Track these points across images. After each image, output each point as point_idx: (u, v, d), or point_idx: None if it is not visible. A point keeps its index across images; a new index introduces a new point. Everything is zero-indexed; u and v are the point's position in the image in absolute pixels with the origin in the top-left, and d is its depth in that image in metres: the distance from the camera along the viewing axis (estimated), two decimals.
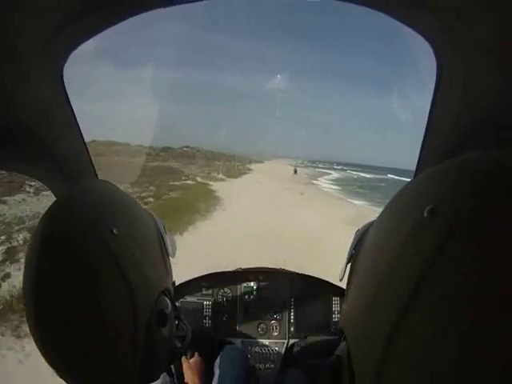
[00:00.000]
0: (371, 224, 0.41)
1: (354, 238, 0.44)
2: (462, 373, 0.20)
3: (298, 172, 32.01)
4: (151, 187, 11.77)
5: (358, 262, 0.39)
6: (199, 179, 17.62)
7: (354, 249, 0.43)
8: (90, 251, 0.39)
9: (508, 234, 0.20)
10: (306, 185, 21.50)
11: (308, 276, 1.37)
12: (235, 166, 33.33)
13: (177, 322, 0.59)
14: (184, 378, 0.93)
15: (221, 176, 21.14)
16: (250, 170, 30.64)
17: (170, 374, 0.64)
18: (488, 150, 0.24)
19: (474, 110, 0.51)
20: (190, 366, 0.97)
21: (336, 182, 28.86)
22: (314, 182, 26.41)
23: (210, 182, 16.57)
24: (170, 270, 0.61)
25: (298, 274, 1.39)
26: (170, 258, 0.61)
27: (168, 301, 0.53)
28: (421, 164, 0.67)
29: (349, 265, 0.45)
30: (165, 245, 0.58)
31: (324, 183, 26.12)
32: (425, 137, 0.63)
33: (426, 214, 0.25)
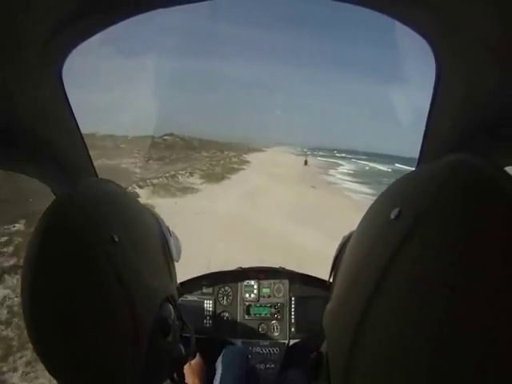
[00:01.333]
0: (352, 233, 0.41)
1: (339, 244, 0.45)
2: (426, 363, 0.22)
3: (308, 163, 26.43)
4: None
5: (339, 265, 0.40)
6: (147, 191, 9.33)
7: (338, 253, 0.43)
8: (89, 256, 0.38)
9: (462, 235, 0.21)
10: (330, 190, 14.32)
11: (308, 276, 1.37)
12: (227, 157, 24.55)
13: (181, 326, 0.57)
14: (184, 379, 0.83)
15: (192, 180, 12.52)
16: (246, 162, 22.46)
17: (173, 381, 0.59)
18: (471, 153, 0.26)
19: (473, 109, 0.52)
20: (190, 367, 0.96)
21: (357, 178, 22.46)
22: (335, 180, 19.68)
23: (159, 201, 7.95)
24: (175, 275, 0.59)
25: (298, 273, 1.39)
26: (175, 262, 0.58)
27: (171, 308, 0.52)
28: (420, 163, 0.68)
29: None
30: (169, 249, 0.56)
31: (348, 183, 19.37)
32: (425, 136, 0.63)
33: (392, 216, 0.27)
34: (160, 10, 0.47)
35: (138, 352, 0.42)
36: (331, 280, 0.45)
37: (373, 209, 0.34)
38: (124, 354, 0.41)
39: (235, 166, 19.46)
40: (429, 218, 0.24)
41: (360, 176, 24.27)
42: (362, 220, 0.36)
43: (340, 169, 30.62)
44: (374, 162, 48.47)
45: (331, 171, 25.92)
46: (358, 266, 0.31)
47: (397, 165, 44.29)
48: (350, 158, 52.93)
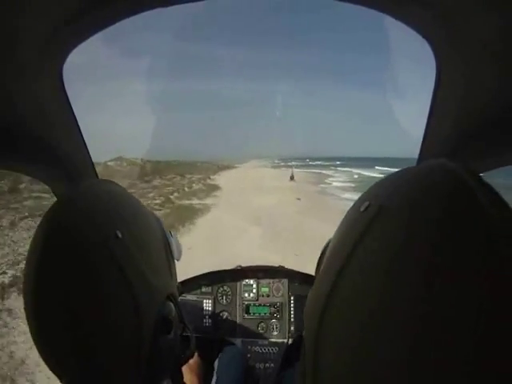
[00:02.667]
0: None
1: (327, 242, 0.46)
2: (386, 337, 0.23)
3: (295, 177, 21.59)
4: None
5: (322, 259, 0.41)
6: None
7: (323, 249, 0.44)
8: (92, 256, 0.38)
9: (419, 227, 0.23)
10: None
11: (308, 274, 1.35)
12: (188, 184, 17.98)
13: (181, 325, 0.58)
14: (183, 378, 0.83)
15: None
16: (213, 189, 16.26)
17: (172, 380, 0.59)
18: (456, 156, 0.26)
19: (473, 109, 0.52)
20: (189, 366, 0.96)
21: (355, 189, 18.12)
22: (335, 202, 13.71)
23: None
24: (175, 274, 0.59)
25: (297, 272, 1.38)
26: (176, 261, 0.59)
27: (173, 306, 0.52)
28: (421, 163, 0.70)
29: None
30: (170, 248, 0.57)
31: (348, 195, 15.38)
32: (424, 136, 0.63)
33: (362, 209, 0.30)
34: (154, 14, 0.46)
35: (140, 349, 0.42)
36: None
37: (352, 206, 0.36)
38: (127, 352, 0.41)
39: (196, 201, 12.54)
40: (391, 209, 0.26)
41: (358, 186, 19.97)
42: (343, 217, 0.38)
43: (334, 180, 25.89)
44: (354, 167, 47.39)
45: (325, 185, 21.09)
46: (330, 253, 0.34)
47: (377, 167, 43.91)
48: (329, 166, 50.68)
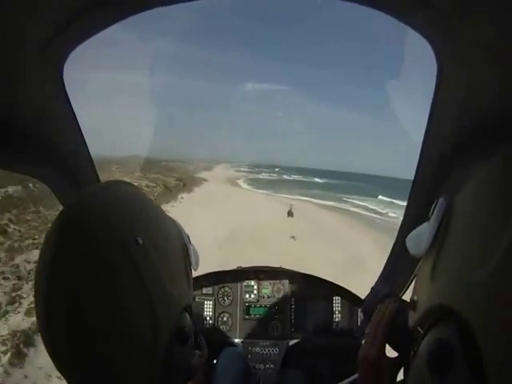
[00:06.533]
0: (454, 199, 0.37)
1: (438, 211, 0.38)
2: None
3: (293, 214, 15.53)
4: None
5: (454, 235, 0.34)
6: None
7: (441, 220, 0.38)
8: (109, 260, 0.36)
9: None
10: None
11: (308, 275, 1.36)
12: None
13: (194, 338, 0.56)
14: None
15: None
16: None
17: None
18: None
19: (474, 109, 0.52)
20: None
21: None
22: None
23: None
24: (191, 283, 0.57)
25: (298, 273, 1.38)
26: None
27: (189, 318, 0.51)
28: (421, 163, 0.68)
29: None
30: (189, 257, 0.54)
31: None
32: (425, 136, 0.63)
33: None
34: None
35: (154, 360, 0.40)
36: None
37: (493, 169, 0.32)
38: (141, 363, 0.39)
39: None
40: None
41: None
42: (476, 183, 0.33)
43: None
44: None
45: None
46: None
47: (315, 179, 41.86)
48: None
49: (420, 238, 0.40)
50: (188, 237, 0.56)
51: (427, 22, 0.45)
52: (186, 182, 21.59)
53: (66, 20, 0.43)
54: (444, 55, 0.48)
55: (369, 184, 41.51)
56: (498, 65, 0.43)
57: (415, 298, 0.40)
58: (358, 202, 24.41)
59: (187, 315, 0.50)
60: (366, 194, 28.59)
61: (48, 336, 0.35)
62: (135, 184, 0.49)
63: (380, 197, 27.04)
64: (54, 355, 0.36)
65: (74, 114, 0.61)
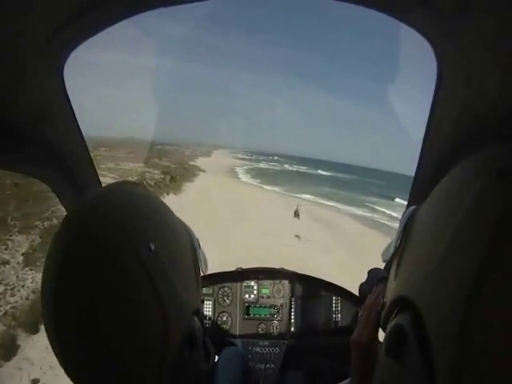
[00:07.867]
0: (417, 208, 0.41)
1: (403, 219, 0.42)
2: None
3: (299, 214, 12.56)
4: None
5: (412, 237, 0.38)
6: None
7: (403, 228, 0.41)
8: (121, 266, 0.36)
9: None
10: None
11: (308, 276, 1.37)
12: None
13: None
14: None
15: None
16: None
17: None
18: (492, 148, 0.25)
19: (474, 109, 0.52)
20: None
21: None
22: None
23: None
24: (200, 287, 0.56)
25: (298, 273, 1.38)
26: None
27: (198, 321, 0.50)
28: (422, 163, 0.68)
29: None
30: (198, 261, 0.54)
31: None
32: (426, 135, 0.63)
33: (494, 175, 0.27)
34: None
35: (164, 365, 0.40)
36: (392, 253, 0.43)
37: (452, 179, 0.34)
38: (152, 366, 0.39)
39: None
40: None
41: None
42: (436, 194, 0.35)
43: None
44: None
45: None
46: (455, 230, 0.28)
47: (319, 171, 40.59)
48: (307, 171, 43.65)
49: (391, 246, 0.44)
50: (198, 240, 0.55)
51: (427, 22, 0.45)
52: (176, 174, 15.85)
53: (66, 20, 0.43)
54: (444, 55, 0.48)
55: (374, 179, 40.43)
56: (497, 64, 0.43)
57: (385, 299, 0.43)
58: (383, 210, 19.30)
59: (197, 319, 0.50)
60: (380, 195, 25.14)
61: (58, 342, 0.35)
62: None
63: (397, 200, 21.86)
64: (63, 360, 0.35)
65: (74, 113, 0.61)
